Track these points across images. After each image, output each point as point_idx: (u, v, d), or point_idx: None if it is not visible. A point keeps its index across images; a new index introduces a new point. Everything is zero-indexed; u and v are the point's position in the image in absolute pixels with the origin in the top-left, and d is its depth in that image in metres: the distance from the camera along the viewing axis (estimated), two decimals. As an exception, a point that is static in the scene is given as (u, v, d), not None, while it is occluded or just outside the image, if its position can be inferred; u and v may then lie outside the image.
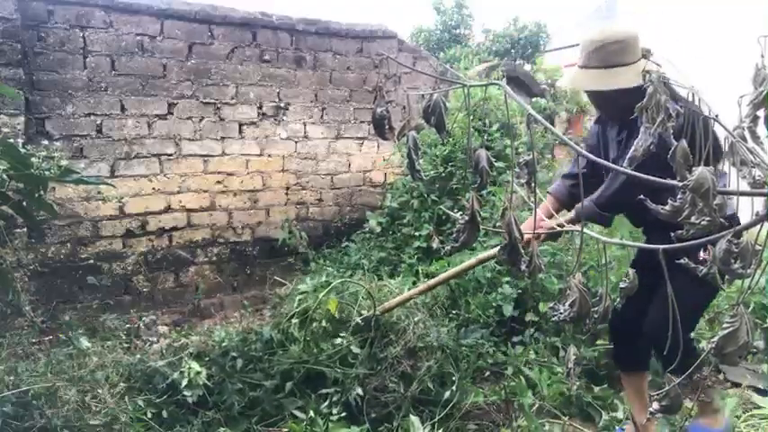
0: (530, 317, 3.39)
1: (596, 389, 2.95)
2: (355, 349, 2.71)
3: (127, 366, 2.57)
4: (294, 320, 2.83)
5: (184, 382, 2.51)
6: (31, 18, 3.68)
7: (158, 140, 4.20)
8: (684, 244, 0.96)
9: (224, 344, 2.78)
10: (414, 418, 2.48)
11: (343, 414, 2.54)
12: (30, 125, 3.67)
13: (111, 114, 4.01)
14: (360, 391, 2.59)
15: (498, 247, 1.22)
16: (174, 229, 4.31)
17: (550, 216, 2.27)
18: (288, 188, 4.82)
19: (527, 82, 7.52)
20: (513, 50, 11.13)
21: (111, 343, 2.81)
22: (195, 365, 2.59)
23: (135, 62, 4.07)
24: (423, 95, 1.18)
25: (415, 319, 2.85)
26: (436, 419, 2.57)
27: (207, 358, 2.71)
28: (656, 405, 1.08)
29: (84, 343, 2.67)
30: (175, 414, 2.49)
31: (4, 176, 1.93)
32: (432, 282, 2.87)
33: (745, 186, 0.92)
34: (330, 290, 2.86)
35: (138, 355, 2.69)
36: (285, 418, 2.57)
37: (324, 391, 2.65)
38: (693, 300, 2.08)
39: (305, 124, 4.86)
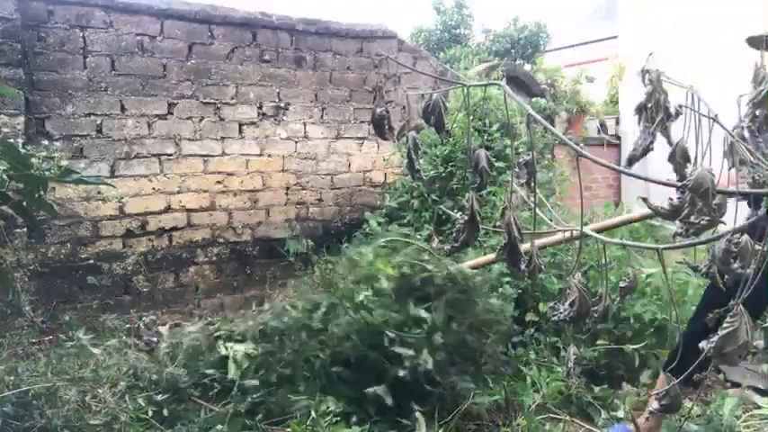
0: (530, 317, 3.39)
1: (596, 389, 2.95)
2: (424, 314, 2.49)
3: (132, 366, 2.58)
4: (351, 286, 2.68)
5: (232, 370, 2.53)
6: (31, 18, 3.68)
7: (158, 140, 4.20)
8: (683, 244, 0.96)
9: (275, 323, 2.74)
10: (420, 418, 2.47)
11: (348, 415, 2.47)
12: (30, 125, 3.67)
13: (111, 114, 4.01)
14: (431, 361, 2.38)
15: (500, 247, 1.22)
16: (174, 229, 4.31)
17: None
18: (288, 188, 4.82)
19: (527, 82, 7.51)
20: (513, 50, 11.11)
21: (115, 341, 2.82)
22: (240, 347, 2.60)
23: (135, 62, 4.07)
24: (422, 95, 1.18)
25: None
26: (436, 420, 2.56)
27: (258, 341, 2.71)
28: (655, 404, 1.09)
29: (94, 351, 2.67)
30: (176, 412, 2.49)
31: (4, 176, 1.93)
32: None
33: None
34: (388, 253, 2.72)
35: (145, 356, 2.70)
36: (292, 415, 2.51)
37: (400, 349, 2.41)
38: None
39: (305, 124, 4.86)
